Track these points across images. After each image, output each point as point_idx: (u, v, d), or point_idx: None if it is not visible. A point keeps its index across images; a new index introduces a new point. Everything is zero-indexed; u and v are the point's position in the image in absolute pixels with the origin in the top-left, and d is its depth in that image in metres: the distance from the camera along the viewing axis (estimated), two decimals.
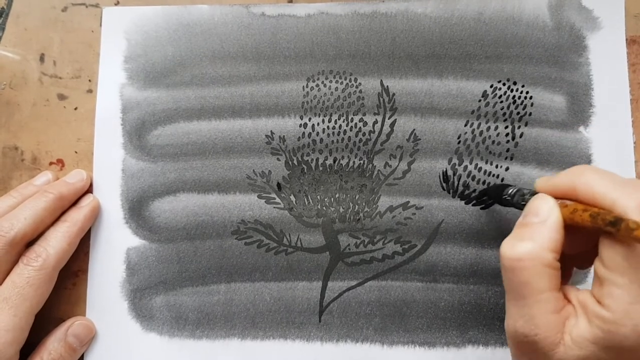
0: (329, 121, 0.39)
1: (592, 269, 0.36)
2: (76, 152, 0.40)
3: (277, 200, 0.39)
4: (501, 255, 0.27)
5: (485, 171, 0.38)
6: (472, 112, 0.38)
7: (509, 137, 0.38)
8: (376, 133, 0.39)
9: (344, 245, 0.38)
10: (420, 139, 0.39)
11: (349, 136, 0.39)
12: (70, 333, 0.37)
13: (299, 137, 0.39)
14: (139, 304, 0.38)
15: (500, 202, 0.34)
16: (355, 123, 0.39)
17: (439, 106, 0.39)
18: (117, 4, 0.41)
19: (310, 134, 0.39)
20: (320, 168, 0.39)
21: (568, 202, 0.27)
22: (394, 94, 0.39)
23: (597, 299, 0.26)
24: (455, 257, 0.38)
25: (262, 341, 0.38)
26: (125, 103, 0.40)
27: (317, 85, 0.39)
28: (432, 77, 0.39)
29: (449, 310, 0.37)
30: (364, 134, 0.39)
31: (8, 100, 0.41)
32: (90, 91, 0.40)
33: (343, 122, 0.39)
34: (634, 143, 0.37)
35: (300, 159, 0.39)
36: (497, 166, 0.38)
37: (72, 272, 0.39)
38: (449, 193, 0.38)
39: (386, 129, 0.39)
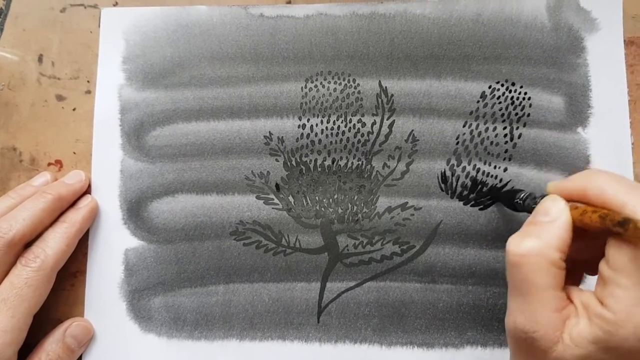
0: (328, 122, 0.39)
1: None
2: (74, 153, 0.40)
3: (276, 201, 0.39)
4: (507, 250, 0.27)
5: (483, 172, 0.38)
6: (471, 113, 0.39)
7: (507, 138, 0.38)
8: (375, 134, 0.39)
9: (343, 246, 0.38)
10: (418, 140, 0.39)
11: (348, 137, 0.39)
12: (69, 334, 0.37)
13: (298, 137, 0.39)
14: (138, 305, 0.38)
15: (512, 207, 0.34)
16: (354, 124, 0.39)
17: (438, 107, 0.39)
18: (115, 4, 0.41)
19: (308, 134, 0.39)
20: (319, 169, 0.39)
21: (579, 205, 0.27)
22: (392, 95, 0.39)
23: (600, 299, 0.26)
24: (453, 258, 0.38)
25: (261, 342, 0.38)
26: (124, 104, 0.40)
27: (316, 86, 0.39)
28: (430, 78, 0.39)
29: (447, 311, 0.37)
30: (362, 135, 0.39)
31: (6, 101, 0.41)
32: (88, 92, 0.40)
33: (341, 123, 0.39)
34: (632, 144, 0.37)
35: (298, 160, 0.39)
36: (495, 167, 0.38)
37: (71, 273, 0.39)
38: (448, 194, 0.38)
39: (384, 129, 0.39)
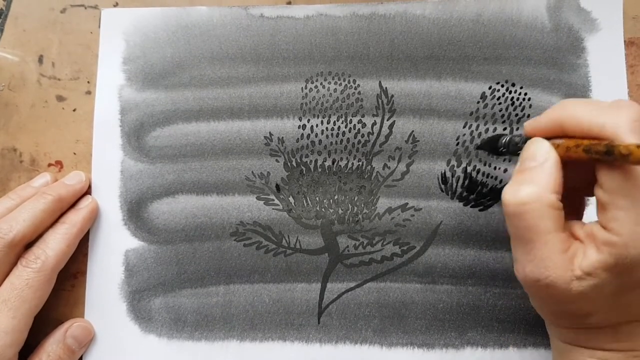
0: (328, 123, 0.39)
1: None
2: (75, 153, 0.40)
3: (276, 201, 0.39)
4: (504, 203, 0.27)
5: (483, 173, 0.38)
6: (471, 113, 0.39)
7: None
8: (375, 134, 0.39)
9: (343, 246, 0.38)
10: (418, 141, 0.39)
11: (348, 138, 0.39)
12: (69, 335, 0.37)
13: (298, 138, 0.39)
14: (138, 306, 0.38)
15: (497, 154, 0.34)
16: (354, 124, 0.39)
17: (438, 108, 0.39)
18: (115, 5, 0.41)
19: (309, 135, 0.39)
20: (319, 169, 0.39)
21: (558, 141, 0.27)
22: (392, 96, 0.39)
23: (604, 225, 0.26)
24: (453, 258, 0.38)
25: (261, 343, 0.38)
26: (124, 104, 0.40)
27: (316, 87, 0.39)
28: (430, 79, 0.39)
29: (447, 311, 0.37)
30: (362, 136, 0.39)
31: (7, 101, 0.41)
32: (88, 93, 0.40)
33: (342, 123, 0.39)
34: None
35: (299, 161, 0.39)
36: (495, 168, 0.38)
37: (71, 273, 0.39)
38: (448, 195, 0.38)
39: (385, 130, 0.39)
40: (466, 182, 0.38)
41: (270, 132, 0.39)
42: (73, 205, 0.38)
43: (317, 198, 0.38)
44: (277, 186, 0.39)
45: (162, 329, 0.38)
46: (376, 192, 0.38)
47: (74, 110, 0.40)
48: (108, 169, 0.39)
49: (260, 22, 0.40)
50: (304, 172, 0.39)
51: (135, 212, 0.39)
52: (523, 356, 0.36)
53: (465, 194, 0.38)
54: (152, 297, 0.38)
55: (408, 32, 0.39)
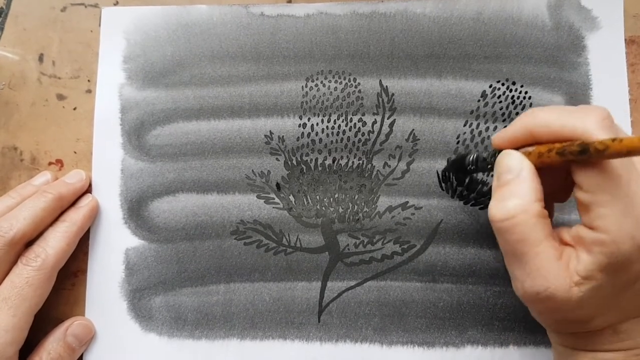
0: (328, 121, 0.39)
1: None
2: (75, 152, 0.40)
3: (277, 200, 0.39)
4: (491, 220, 0.27)
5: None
6: (471, 112, 0.39)
7: None
8: (375, 133, 0.39)
9: (343, 245, 0.38)
10: (419, 139, 0.39)
11: (348, 136, 0.39)
12: (70, 333, 0.37)
13: (298, 137, 0.39)
14: (138, 304, 0.38)
15: (467, 173, 0.34)
16: (355, 123, 0.39)
17: (438, 106, 0.39)
18: (116, 4, 0.41)
19: (309, 134, 0.39)
20: (320, 168, 0.39)
21: (530, 149, 0.28)
22: (393, 94, 0.39)
23: (589, 225, 0.26)
24: (454, 257, 0.38)
25: (262, 341, 0.38)
26: (124, 103, 0.40)
27: (316, 85, 0.39)
28: (431, 77, 0.39)
29: (447, 310, 0.37)
30: (363, 134, 0.39)
31: (7, 100, 0.41)
32: (89, 91, 0.40)
33: (342, 122, 0.39)
34: None
35: (299, 159, 0.39)
36: None
37: (71, 272, 0.39)
38: (448, 193, 0.38)
39: (385, 129, 0.39)
40: (466, 180, 0.38)
41: (270, 131, 0.39)
42: (73, 203, 0.38)
43: (318, 197, 0.38)
44: (278, 185, 0.39)
45: (163, 327, 0.38)
46: (376, 190, 0.38)
47: (75, 108, 0.40)
48: (108, 167, 0.39)
49: (261, 21, 0.40)
50: (305, 170, 0.39)
51: (136, 211, 0.39)
52: (523, 355, 0.36)
53: (465, 192, 0.38)
54: (153, 295, 0.38)
55: (408, 31, 0.39)
